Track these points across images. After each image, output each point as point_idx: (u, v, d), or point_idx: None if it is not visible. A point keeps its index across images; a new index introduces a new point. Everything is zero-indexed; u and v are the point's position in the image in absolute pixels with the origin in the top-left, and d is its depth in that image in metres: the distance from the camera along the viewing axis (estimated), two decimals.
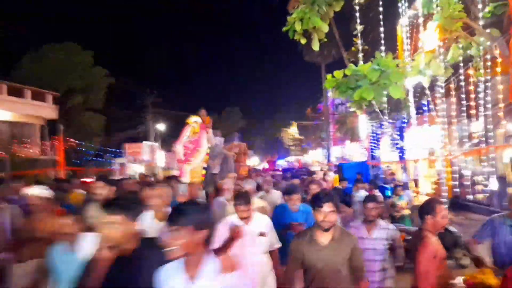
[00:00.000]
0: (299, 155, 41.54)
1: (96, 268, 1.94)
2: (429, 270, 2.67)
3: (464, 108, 8.37)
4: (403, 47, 7.57)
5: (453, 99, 8.19)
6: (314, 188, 5.16)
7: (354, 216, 5.95)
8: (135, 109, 31.57)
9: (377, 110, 8.76)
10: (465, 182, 10.22)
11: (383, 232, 3.51)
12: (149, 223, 3.13)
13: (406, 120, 12.04)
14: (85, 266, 2.04)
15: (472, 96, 8.03)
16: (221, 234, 3.33)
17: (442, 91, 7.02)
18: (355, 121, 20.52)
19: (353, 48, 14.95)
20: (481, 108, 7.25)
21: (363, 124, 19.02)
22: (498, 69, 6.44)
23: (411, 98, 7.71)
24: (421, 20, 6.16)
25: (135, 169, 20.07)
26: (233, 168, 9.53)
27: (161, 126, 31.45)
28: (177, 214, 1.80)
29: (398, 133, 12.58)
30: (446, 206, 2.96)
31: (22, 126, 22.56)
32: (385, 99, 5.06)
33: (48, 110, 24.06)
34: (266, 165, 31.63)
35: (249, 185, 5.11)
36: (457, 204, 10.75)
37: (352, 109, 11.71)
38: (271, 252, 3.54)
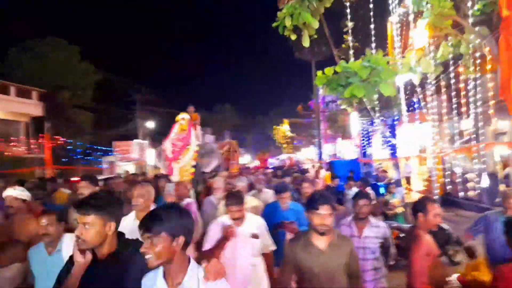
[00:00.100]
0: (291, 153, 41.60)
1: (71, 273, 1.82)
2: (423, 267, 2.66)
3: (455, 106, 8.43)
4: (393, 44, 7.56)
5: (444, 97, 8.24)
6: (307, 187, 5.10)
7: (347, 214, 5.90)
8: (124, 107, 31.22)
9: (368, 107, 8.77)
10: (456, 179, 10.32)
11: (374, 230, 3.40)
12: (131, 224, 2.94)
13: (397, 118, 12.08)
14: (60, 271, 1.93)
15: (463, 93, 8.08)
16: (212, 234, 3.25)
17: (433, 88, 7.03)
18: (346, 118, 20.56)
19: (343, 45, 14.93)
20: (472, 106, 7.29)
21: (355, 121, 19.04)
22: (488, 67, 6.47)
23: (402, 96, 7.72)
24: (411, 17, 6.15)
25: (125, 168, 19.87)
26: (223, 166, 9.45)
27: (150, 124, 31.15)
28: (150, 221, 1.65)
29: (390, 130, 12.61)
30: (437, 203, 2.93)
31: (6, 124, 22.11)
32: (376, 96, 5.03)
33: (33, 107, 23.57)
34: (258, 163, 31.64)
35: (241, 183, 4.90)
36: (448, 201, 10.85)
37: (342, 107, 11.74)
38: (265, 255, 3.42)
